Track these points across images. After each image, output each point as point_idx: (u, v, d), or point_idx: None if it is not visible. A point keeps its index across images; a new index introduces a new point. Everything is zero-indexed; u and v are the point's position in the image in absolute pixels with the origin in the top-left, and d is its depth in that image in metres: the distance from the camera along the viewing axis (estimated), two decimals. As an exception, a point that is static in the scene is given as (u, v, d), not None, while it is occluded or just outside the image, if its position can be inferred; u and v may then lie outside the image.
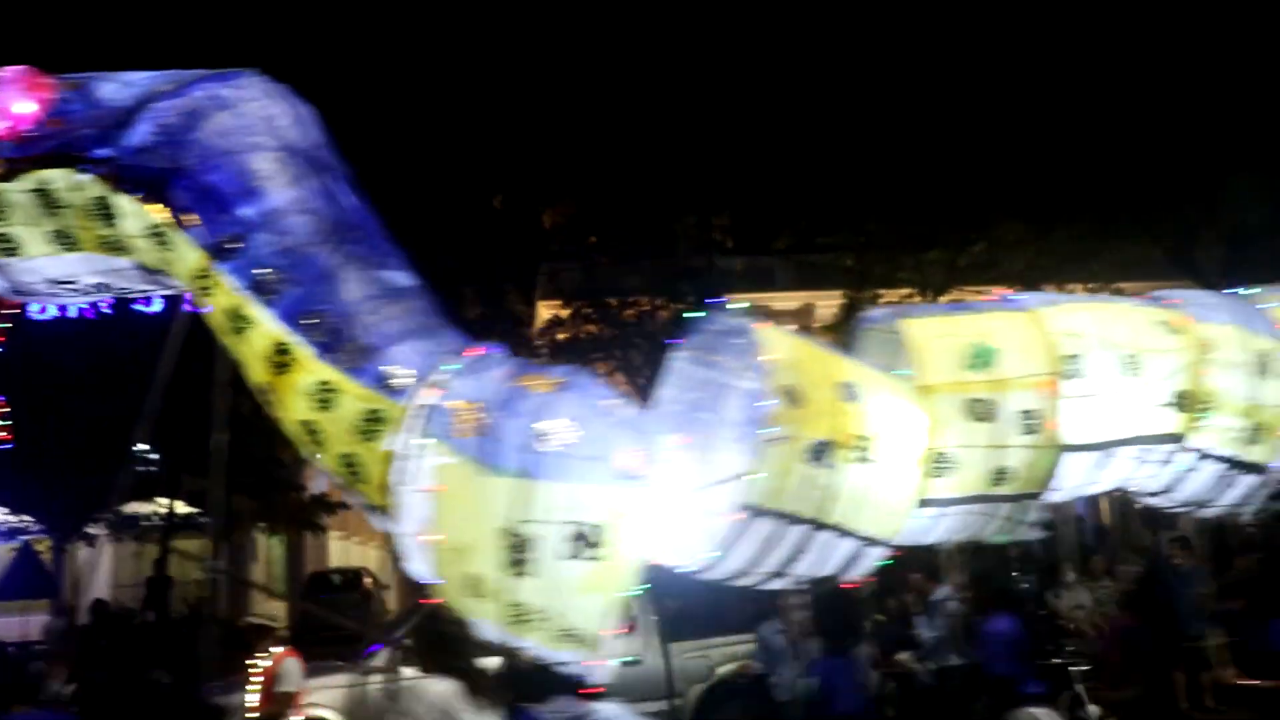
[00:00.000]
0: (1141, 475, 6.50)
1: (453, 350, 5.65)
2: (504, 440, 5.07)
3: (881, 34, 21.18)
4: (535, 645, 5.07)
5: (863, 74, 20.98)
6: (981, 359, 5.93)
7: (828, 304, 22.98)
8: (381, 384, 5.44)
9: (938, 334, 6.04)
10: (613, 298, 21.44)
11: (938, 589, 10.76)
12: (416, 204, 19.91)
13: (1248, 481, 6.69)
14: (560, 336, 21.61)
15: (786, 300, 23.72)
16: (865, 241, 21.86)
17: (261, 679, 8.45)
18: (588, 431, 5.05)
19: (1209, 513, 6.97)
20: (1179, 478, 6.63)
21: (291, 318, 5.54)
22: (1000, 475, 5.93)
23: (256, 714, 8.34)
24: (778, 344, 5.51)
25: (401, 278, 5.92)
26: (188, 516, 17.90)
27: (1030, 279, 21.54)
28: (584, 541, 4.91)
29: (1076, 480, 6.31)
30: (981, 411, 5.87)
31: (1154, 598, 8.05)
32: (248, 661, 8.61)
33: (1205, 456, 6.55)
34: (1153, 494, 6.80)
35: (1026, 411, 5.93)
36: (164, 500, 17.59)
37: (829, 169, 21.42)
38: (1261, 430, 6.55)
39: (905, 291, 22.06)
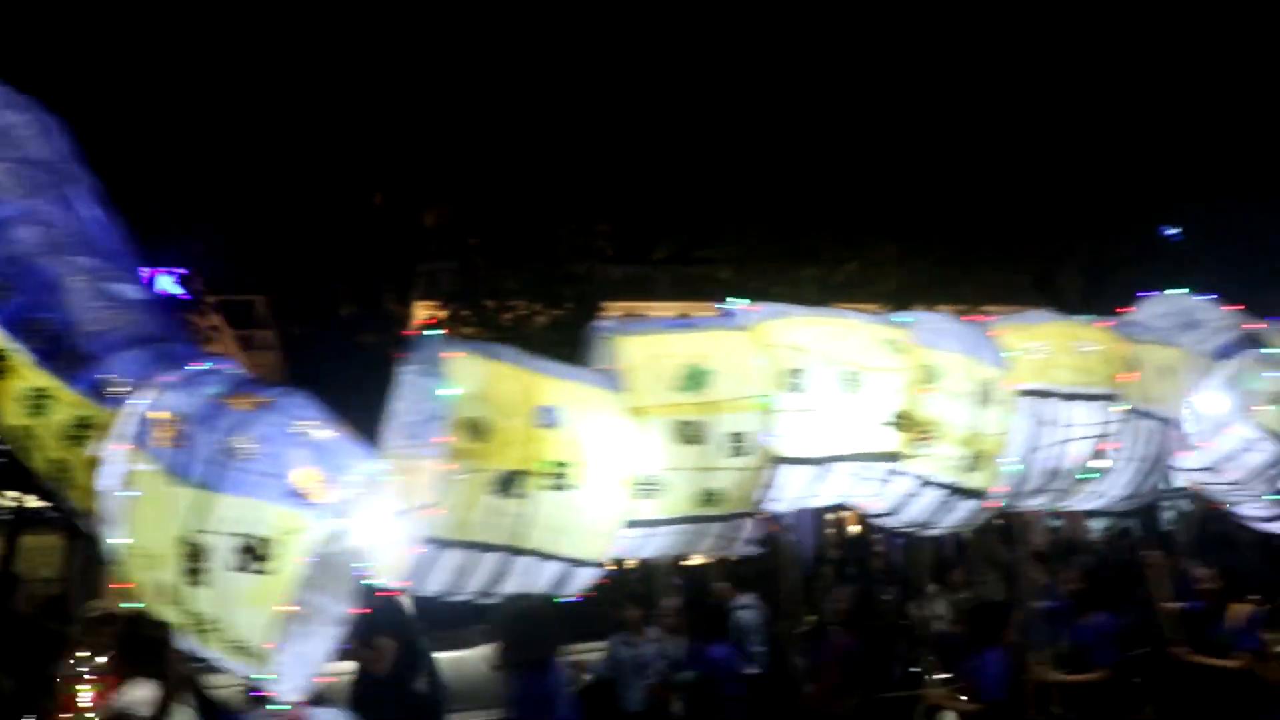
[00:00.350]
0: (862, 492, 6.70)
1: (176, 363, 5.77)
2: (195, 453, 5.21)
3: (761, 52, 21.55)
4: (215, 655, 5.23)
5: (742, 91, 21.36)
6: (694, 380, 6.04)
7: (704, 315, 23.19)
8: (95, 392, 5.56)
9: (653, 353, 6.10)
10: (490, 300, 21.58)
11: (738, 597, 11.12)
12: (294, 198, 19.91)
13: (968, 506, 6.95)
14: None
15: (664, 310, 23.90)
16: (742, 255, 22.22)
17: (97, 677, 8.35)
18: (271, 449, 5.19)
19: (930, 533, 7.29)
20: (902, 501, 6.91)
21: (12, 325, 5.66)
22: (709, 497, 6.06)
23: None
24: (466, 374, 5.61)
25: (133, 290, 6.03)
26: (38, 511, 17.59)
27: (901, 299, 22.17)
28: (251, 555, 5.02)
29: (795, 493, 6.48)
30: (691, 434, 5.98)
31: (870, 616, 8.33)
32: (80, 655, 8.52)
33: (927, 483, 6.82)
34: (878, 515, 7.08)
35: (737, 434, 6.07)
36: (13, 494, 17.28)
37: (709, 183, 21.77)
38: (982, 458, 6.79)
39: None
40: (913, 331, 6.80)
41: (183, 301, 18.04)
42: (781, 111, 21.43)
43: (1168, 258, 20.90)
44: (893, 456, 6.58)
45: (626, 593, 11.12)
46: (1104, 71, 20.35)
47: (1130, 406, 7.18)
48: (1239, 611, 7.76)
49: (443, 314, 21.74)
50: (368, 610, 6.43)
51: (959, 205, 21.47)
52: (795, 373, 6.27)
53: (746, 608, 11.20)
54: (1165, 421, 7.40)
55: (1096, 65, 20.37)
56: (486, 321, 21.55)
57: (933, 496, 6.86)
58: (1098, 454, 7.13)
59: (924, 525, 7.12)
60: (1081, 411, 7.06)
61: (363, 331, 20.87)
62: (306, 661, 5.31)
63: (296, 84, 19.95)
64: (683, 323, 6.71)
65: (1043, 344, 7.10)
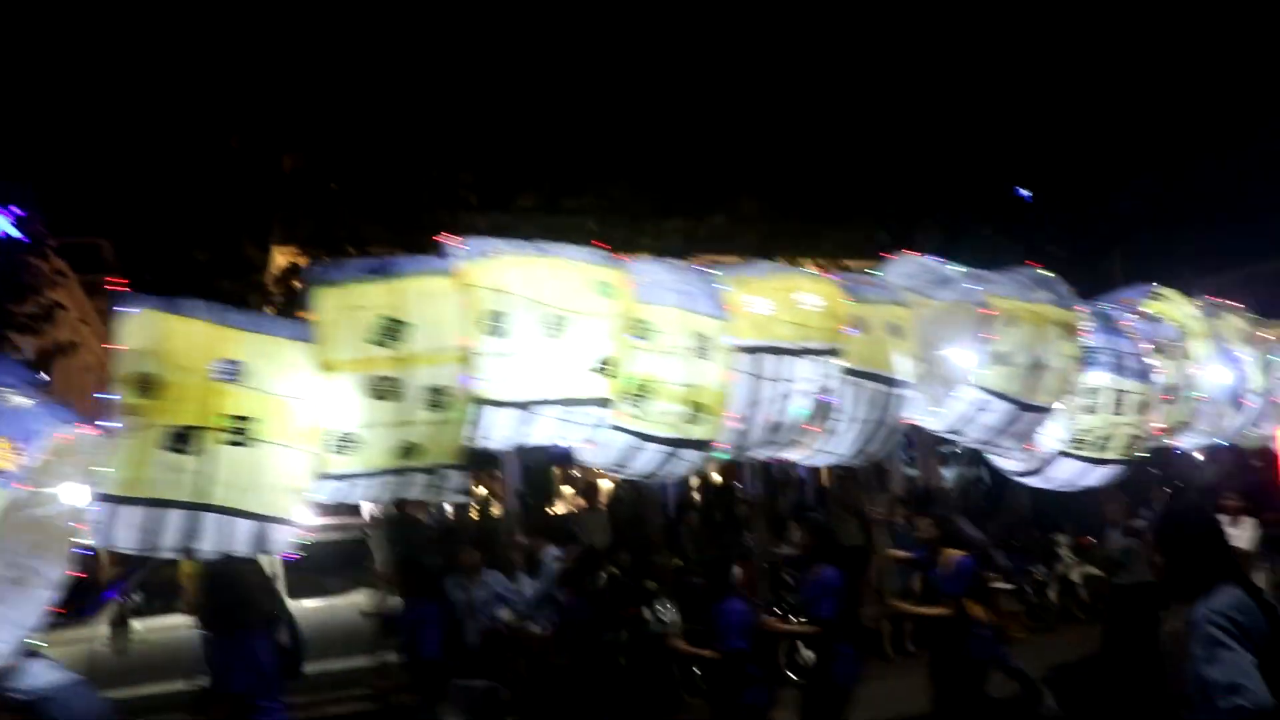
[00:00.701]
0: (573, 437, 6.69)
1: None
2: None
3: (630, 3, 21.46)
4: None
5: (607, 40, 21.29)
6: (390, 334, 6.00)
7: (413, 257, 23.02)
8: None
9: (349, 305, 6.03)
10: (351, 247, 21.18)
11: (547, 549, 11.27)
12: (145, 138, 19.40)
13: (693, 456, 7.04)
14: (296, 284, 21.29)
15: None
16: (608, 205, 22.16)
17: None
18: None
19: (660, 481, 7.33)
20: (627, 454, 6.93)
21: None
22: (409, 450, 6.06)
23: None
24: (138, 330, 5.55)
25: None
26: None
27: (765, 251, 22.38)
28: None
29: (504, 434, 6.48)
30: (386, 390, 5.96)
31: (589, 576, 8.43)
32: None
33: (647, 439, 6.85)
34: (605, 466, 7.11)
35: (435, 388, 6.04)
36: None
37: (576, 133, 21.68)
38: (702, 410, 6.82)
39: (645, 256, 22.58)
40: (629, 283, 6.76)
41: (21, 245, 17.49)
42: (648, 64, 21.39)
43: (1019, 218, 21.40)
44: (602, 402, 6.57)
45: (465, 536, 11.21)
46: (962, 36, 20.65)
47: (851, 365, 7.27)
48: (950, 559, 8.02)
49: (302, 260, 21.33)
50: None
51: (823, 162, 21.70)
52: (496, 315, 6.23)
53: (556, 559, 11.35)
54: (891, 383, 7.50)
55: (954, 29, 20.65)
56: (348, 268, 21.21)
57: (655, 450, 6.89)
58: (820, 409, 7.23)
59: (649, 475, 7.20)
60: (801, 367, 7.13)
61: (219, 278, 20.42)
62: (16, 624, 5.27)
63: (151, 21, 19.40)
64: (385, 266, 6.49)
65: (766, 299, 7.13)
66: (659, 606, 12.10)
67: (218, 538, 5.75)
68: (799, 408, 7.20)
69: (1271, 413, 9.43)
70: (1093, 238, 20.79)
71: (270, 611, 6.52)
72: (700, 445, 7.00)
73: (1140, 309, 9.54)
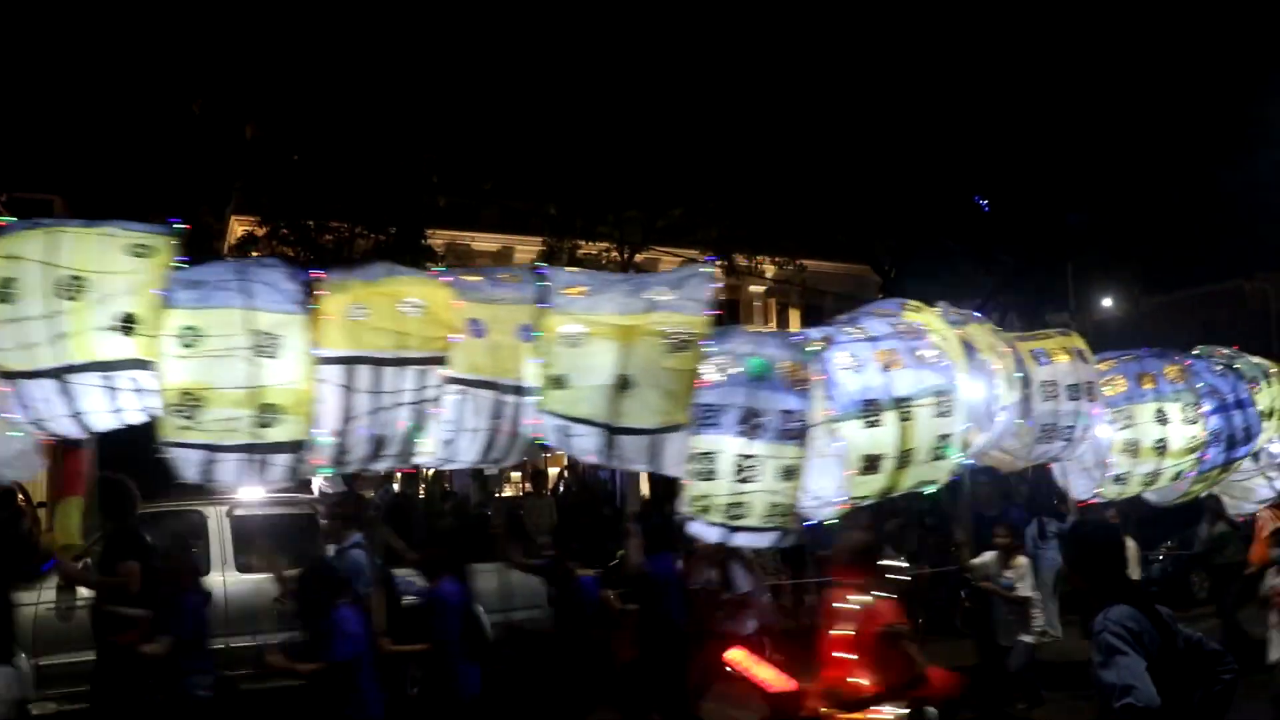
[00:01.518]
0: (133, 410, 6.25)
1: None
2: None
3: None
4: None
5: (577, 33, 21.11)
6: None
7: (527, 249, 23.08)
8: None
9: None
10: (311, 220, 21.34)
11: (350, 535, 11.07)
12: (104, 95, 19.74)
13: (285, 459, 6.46)
14: (254, 254, 21.54)
15: (487, 242, 23.74)
16: (568, 192, 22.01)
17: None
18: None
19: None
20: (204, 465, 6.34)
21: None
22: None
23: None
24: None
25: None
26: None
27: (724, 247, 21.99)
28: None
29: (49, 413, 6.13)
30: None
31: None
32: None
33: (218, 449, 6.33)
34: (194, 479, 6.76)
35: None
36: None
37: (541, 120, 21.53)
38: (278, 410, 6.33)
39: (604, 245, 22.36)
40: (172, 247, 6.32)
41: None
42: (613, 54, 21.10)
43: (976, 226, 20.68)
44: (137, 364, 6.13)
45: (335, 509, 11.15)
46: (928, 45, 19.99)
47: (458, 373, 6.87)
48: (573, 576, 7.75)
49: (261, 230, 21.59)
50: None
51: (784, 164, 21.23)
52: (6, 282, 5.93)
53: (357, 546, 11.17)
54: (512, 390, 7.06)
55: (921, 37, 20.01)
56: (306, 241, 21.40)
57: (235, 458, 6.37)
58: (426, 420, 6.86)
59: (248, 484, 6.84)
60: (401, 377, 6.73)
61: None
62: None
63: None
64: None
65: (363, 305, 6.73)
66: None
67: None
68: (405, 419, 6.82)
69: (1018, 428, 8.59)
70: (1046, 250, 19.94)
71: None
72: (291, 447, 6.59)
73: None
